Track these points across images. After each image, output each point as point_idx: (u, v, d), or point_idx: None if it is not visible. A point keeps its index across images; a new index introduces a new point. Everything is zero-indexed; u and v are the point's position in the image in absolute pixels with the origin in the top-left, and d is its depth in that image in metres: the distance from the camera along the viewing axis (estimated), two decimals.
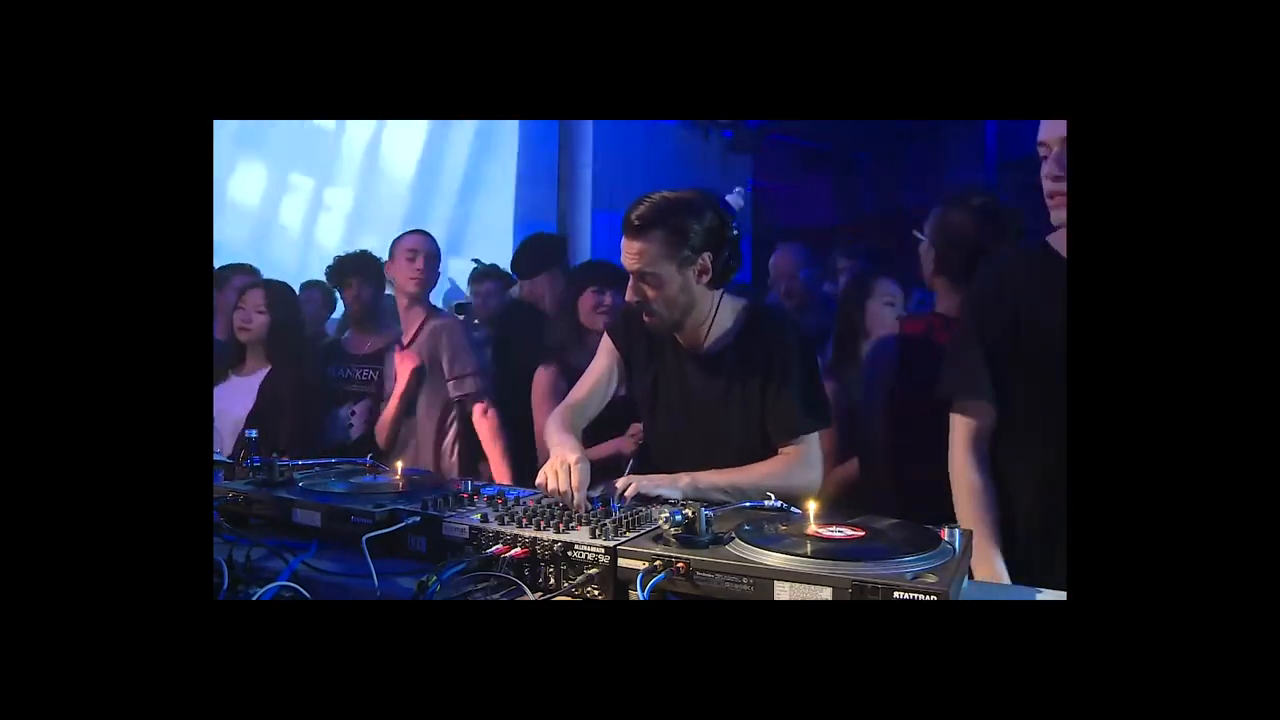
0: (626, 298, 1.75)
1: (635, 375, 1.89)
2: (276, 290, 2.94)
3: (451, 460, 2.88)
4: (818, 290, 2.82)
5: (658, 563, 1.16)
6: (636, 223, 1.66)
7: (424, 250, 2.87)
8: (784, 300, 2.84)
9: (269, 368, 2.86)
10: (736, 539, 1.19)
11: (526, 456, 2.64)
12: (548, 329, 2.78)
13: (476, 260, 4.08)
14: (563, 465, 1.49)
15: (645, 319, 1.75)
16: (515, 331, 3.13)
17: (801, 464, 1.71)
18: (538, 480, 1.53)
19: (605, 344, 1.92)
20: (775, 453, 1.73)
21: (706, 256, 1.68)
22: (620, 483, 1.59)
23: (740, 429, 1.75)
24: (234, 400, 2.81)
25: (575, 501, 1.44)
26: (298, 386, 2.86)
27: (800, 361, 1.75)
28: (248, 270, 3.46)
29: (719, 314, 1.77)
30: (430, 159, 5.35)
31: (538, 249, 3.28)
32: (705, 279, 1.70)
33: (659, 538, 1.22)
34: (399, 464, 1.80)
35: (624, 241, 1.69)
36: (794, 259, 2.84)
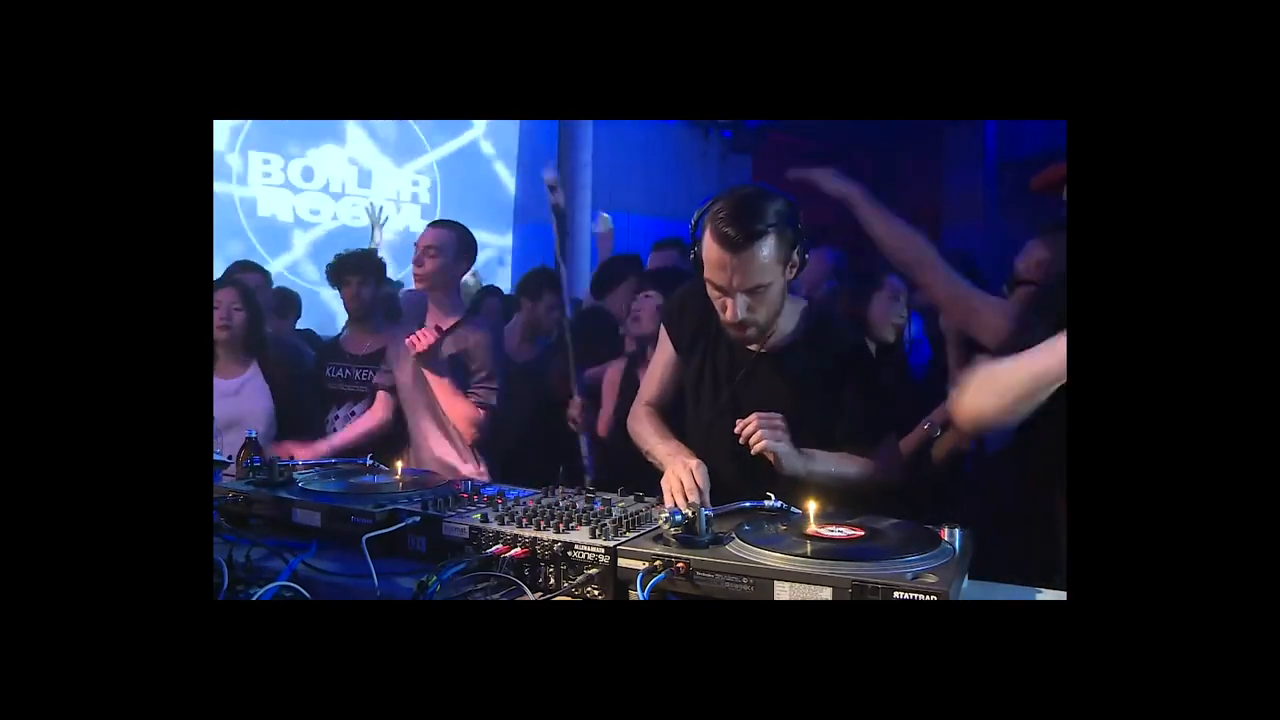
0: (729, 318, 1.54)
1: (684, 361, 1.78)
2: (246, 286, 2.92)
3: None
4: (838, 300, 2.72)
5: (658, 563, 1.16)
6: (760, 229, 1.46)
7: (435, 244, 2.61)
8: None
9: (251, 367, 2.82)
10: (736, 539, 1.19)
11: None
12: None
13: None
14: (685, 470, 1.45)
15: (737, 334, 1.58)
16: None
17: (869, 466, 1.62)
18: (665, 488, 1.46)
19: (663, 334, 1.83)
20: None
21: (797, 250, 1.53)
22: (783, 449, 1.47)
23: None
24: (219, 404, 2.77)
25: (702, 500, 1.40)
26: (294, 375, 2.85)
27: (861, 372, 1.65)
28: (254, 269, 3.44)
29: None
30: None
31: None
32: (792, 274, 1.55)
33: (659, 538, 1.22)
34: (399, 464, 1.80)
35: (730, 258, 1.47)
36: (827, 263, 2.72)
